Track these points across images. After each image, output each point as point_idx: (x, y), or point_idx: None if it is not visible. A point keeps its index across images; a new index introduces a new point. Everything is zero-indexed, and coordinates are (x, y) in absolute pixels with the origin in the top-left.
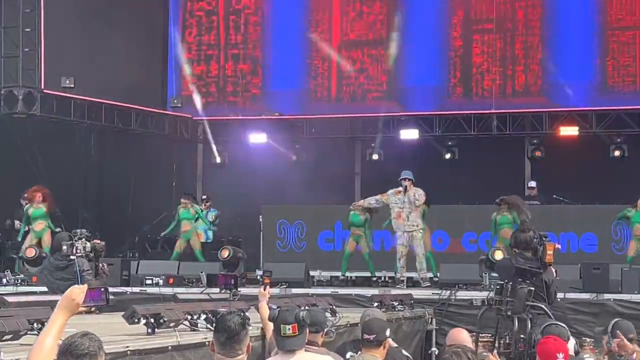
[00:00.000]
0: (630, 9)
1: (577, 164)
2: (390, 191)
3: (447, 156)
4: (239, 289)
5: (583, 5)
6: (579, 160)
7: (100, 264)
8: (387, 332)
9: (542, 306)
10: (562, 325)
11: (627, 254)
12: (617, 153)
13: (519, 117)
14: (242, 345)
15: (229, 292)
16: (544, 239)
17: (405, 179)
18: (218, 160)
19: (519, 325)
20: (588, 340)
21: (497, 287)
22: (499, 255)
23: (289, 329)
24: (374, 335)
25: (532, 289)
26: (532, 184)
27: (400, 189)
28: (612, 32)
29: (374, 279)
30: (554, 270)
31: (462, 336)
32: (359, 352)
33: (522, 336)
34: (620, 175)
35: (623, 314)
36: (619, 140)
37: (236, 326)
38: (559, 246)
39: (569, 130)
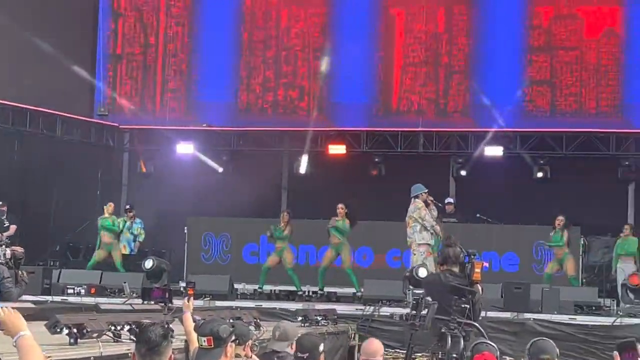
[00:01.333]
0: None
1: (500, 184)
2: (420, 206)
3: (374, 172)
4: (172, 302)
5: (509, 28)
6: (503, 180)
7: (20, 272)
8: (321, 347)
9: (476, 324)
10: (491, 344)
11: (545, 271)
12: (540, 174)
13: (445, 136)
14: (162, 357)
15: (163, 305)
16: (472, 256)
17: (427, 193)
18: (143, 170)
19: (452, 342)
20: (508, 358)
21: (413, 302)
22: (423, 272)
23: (204, 341)
24: (307, 354)
25: (467, 306)
26: (450, 200)
27: (420, 202)
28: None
29: (299, 293)
30: (480, 288)
31: (374, 347)
32: None
33: (454, 355)
34: (542, 196)
35: (543, 333)
36: (541, 161)
37: (157, 338)
38: (487, 264)
39: (493, 151)
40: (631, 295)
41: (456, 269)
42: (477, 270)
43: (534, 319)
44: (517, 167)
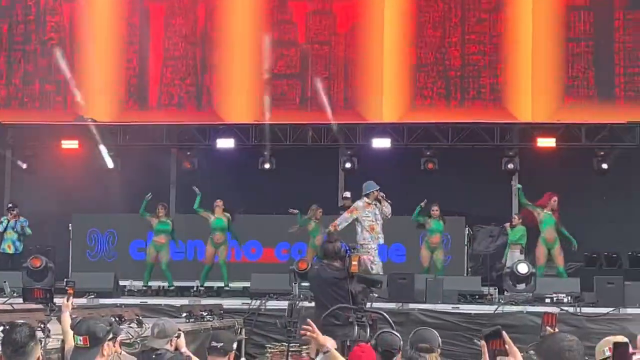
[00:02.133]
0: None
1: (389, 176)
2: (360, 204)
3: (267, 166)
4: (54, 302)
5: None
6: (391, 172)
7: None
8: (234, 345)
9: (383, 313)
10: (396, 334)
11: (423, 264)
12: (430, 165)
13: (334, 128)
14: (29, 358)
15: (45, 306)
16: (352, 250)
17: (379, 190)
18: (24, 166)
19: (359, 331)
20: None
21: (289, 308)
22: (302, 265)
23: (80, 340)
24: (222, 344)
25: (376, 295)
26: (347, 194)
27: (368, 200)
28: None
29: (171, 288)
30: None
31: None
32: None
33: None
34: (429, 187)
35: (427, 323)
36: (428, 153)
37: (23, 338)
38: (365, 257)
39: (382, 143)
40: (514, 284)
41: (337, 263)
42: (354, 263)
43: (418, 309)
44: (405, 159)
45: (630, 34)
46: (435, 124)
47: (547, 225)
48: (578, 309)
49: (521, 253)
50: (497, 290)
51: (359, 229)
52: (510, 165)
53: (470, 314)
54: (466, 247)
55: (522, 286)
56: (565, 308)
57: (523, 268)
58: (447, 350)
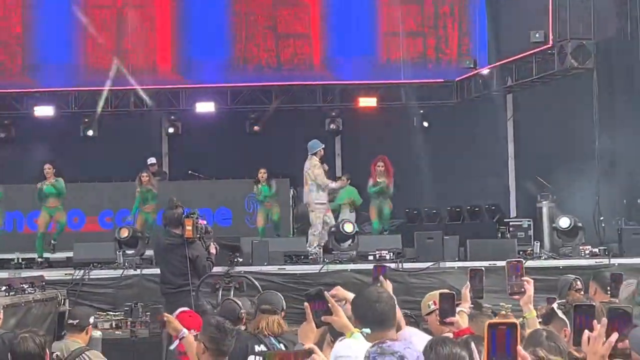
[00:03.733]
0: None
1: (213, 140)
2: (315, 163)
3: (90, 133)
4: None
5: None
6: (216, 135)
7: None
8: (91, 320)
9: (249, 277)
10: (235, 301)
11: (258, 225)
12: (255, 128)
13: (157, 93)
14: None
15: None
16: (191, 215)
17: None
18: None
19: (222, 295)
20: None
21: (127, 308)
22: (124, 232)
23: None
24: (77, 321)
25: (240, 259)
26: (152, 160)
27: (317, 159)
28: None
29: None
30: (201, 244)
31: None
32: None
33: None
34: (253, 150)
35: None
36: (253, 116)
37: None
38: (205, 222)
39: (206, 107)
40: (339, 242)
41: (177, 230)
42: (188, 227)
43: (244, 271)
44: (230, 122)
45: None
46: (259, 87)
47: (379, 193)
48: (400, 265)
49: (350, 212)
50: (322, 249)
51: (314, 188)
52: (333, 126)
53: (296, 274)
54: (291, 208)
55: (346, 245)
56: (388, 264)
57: (349, 227)
58: None
